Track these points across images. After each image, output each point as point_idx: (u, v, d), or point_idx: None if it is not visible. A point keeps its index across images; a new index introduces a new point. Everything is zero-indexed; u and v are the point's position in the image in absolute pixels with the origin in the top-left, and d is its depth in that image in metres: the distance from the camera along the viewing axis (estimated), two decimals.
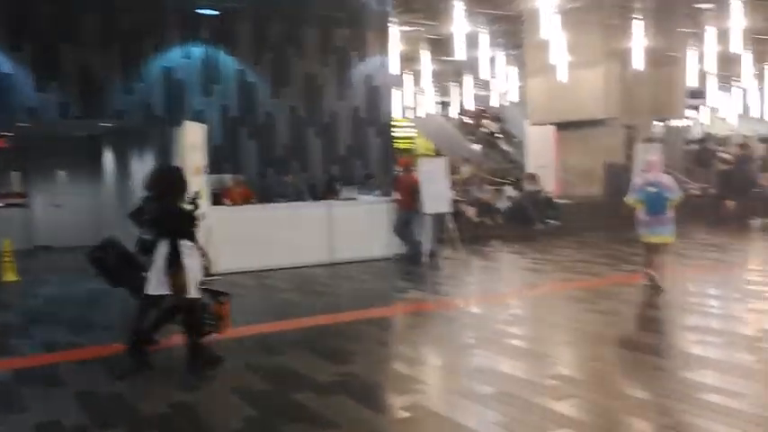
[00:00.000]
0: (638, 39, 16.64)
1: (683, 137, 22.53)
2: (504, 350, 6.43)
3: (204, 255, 6.11)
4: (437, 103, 32.35)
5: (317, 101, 14.33)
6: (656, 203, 8.66)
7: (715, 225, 15.60)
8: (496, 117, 29.64)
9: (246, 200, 12.20)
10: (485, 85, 26.66)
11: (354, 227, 12.02)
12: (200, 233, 6.18)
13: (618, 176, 15.74)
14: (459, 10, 14.57)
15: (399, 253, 12.17)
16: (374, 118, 14.96)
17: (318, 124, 14.35)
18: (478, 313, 8.39)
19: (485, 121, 29.72)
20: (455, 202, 13.55)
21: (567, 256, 12.25)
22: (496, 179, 19.07)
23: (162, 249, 5.81)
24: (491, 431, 4.52)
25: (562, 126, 18.41)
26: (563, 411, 4.75)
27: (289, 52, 14.03)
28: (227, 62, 13.51)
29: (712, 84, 25.90)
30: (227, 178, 12.75)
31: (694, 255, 11.86)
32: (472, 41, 16.77)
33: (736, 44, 16.36)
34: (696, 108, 28.88)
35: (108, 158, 15.47)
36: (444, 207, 12.35)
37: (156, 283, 5.82)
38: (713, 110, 30.67)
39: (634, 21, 16.57)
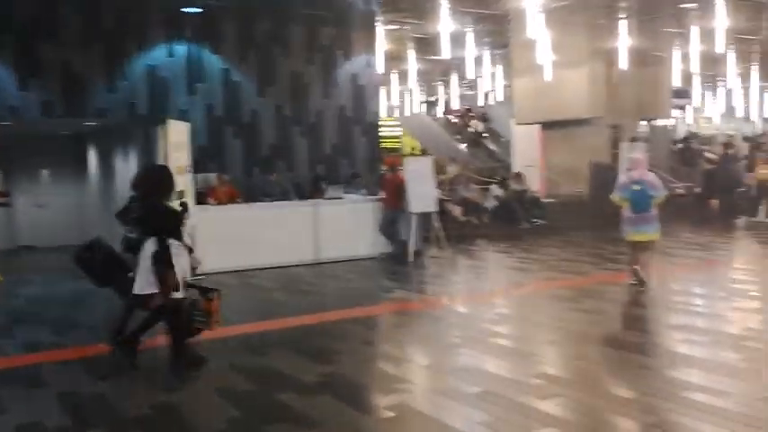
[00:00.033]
0: (624, 39, 16.71)
1: (668, 136, 22.70)
2: (489, 349, 6.43)
3: (191, 253, 6.07)
4: (423, 102, 32.42)
5: (303, 100, 14.26)
6: (640, 201, 8.71)
7: (700, 224, 15.70)
8: (483, 116, 29.70)
9: (232, 199, 12.13)
10: (471, 84, 26.71)
11: (340, 226, 11.98)
12: (186, 232, 6.15)
13: (603, 176, 15.80)
14: (445, 9, 14.56)
15: (385, 252, 12.15)
16: (360, 117, 14.90)
17: (304, 123, 14.28)
18: (464, 312, 8.39)
19: (471, 121, 29.78)
20: (441, 201, 13.53)
21: (553, 255, 12.27)
22: (483, 178, 19.08)
23: (148, 248, 5.75)
24: (476, 431, 4.50)
25: (547, 125, 18.49)
26: (548, 410, 4.75)
27: (274, 51, 13.93)
28: (212, 60, 13.39)
29: (697, 84, 26.09)
30: (212, 177, 12.65)
31: (679, 253, 11.92)
32: (458, 41, 16.77)
33: (721, 44, 16.47)
34: (682, 108, 29.12)
35: (91, 157, 15.34)
36: (430, 206, 12.33)
37: (144, 283, 5.77)
38: (697, 110, 30.94)
39: (619, 21, 16.64)
